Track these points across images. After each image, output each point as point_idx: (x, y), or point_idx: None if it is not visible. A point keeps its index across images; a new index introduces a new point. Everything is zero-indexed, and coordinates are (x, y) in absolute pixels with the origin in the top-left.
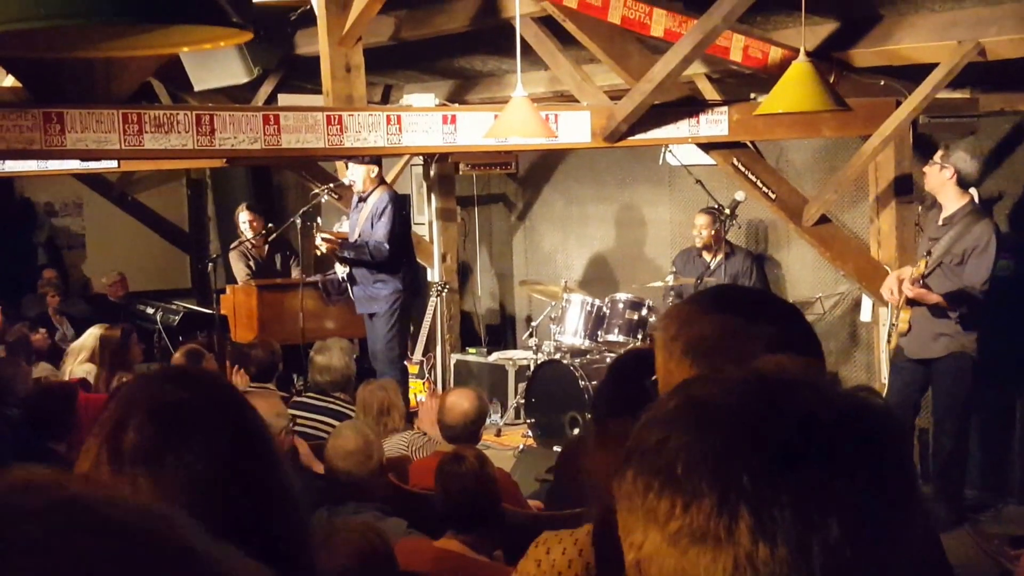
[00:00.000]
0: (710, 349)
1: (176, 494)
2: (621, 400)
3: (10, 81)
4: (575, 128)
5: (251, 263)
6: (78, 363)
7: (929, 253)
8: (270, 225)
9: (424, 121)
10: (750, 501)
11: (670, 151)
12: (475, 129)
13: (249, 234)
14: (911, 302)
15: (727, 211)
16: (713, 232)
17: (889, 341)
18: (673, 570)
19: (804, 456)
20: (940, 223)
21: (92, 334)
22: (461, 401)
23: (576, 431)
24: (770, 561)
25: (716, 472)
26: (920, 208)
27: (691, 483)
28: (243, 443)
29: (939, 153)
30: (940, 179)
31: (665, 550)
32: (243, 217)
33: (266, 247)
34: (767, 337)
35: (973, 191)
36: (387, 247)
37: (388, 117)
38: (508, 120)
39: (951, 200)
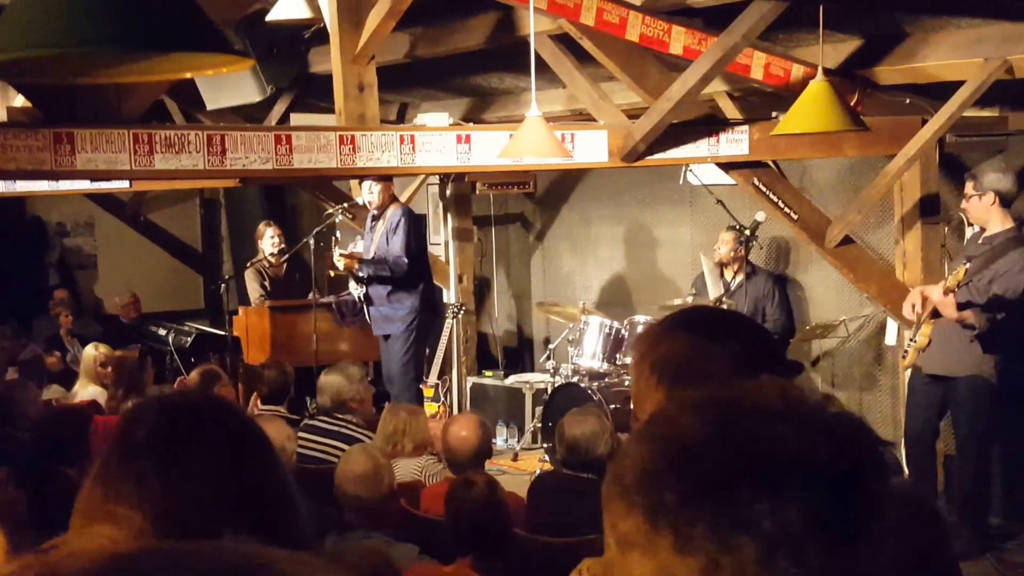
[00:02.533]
0: (676, 368)
1: (183, 487)
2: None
3: (20, 101)
4: (592, 147)
5: (266, 282)
6: (81, 385)
7: (968, 260)
8: (283, 246)
9: (438, 141)
10: (753, 532)
11: (691, 170)
12: (490, 149)
13: (274, 250)
14: (935, 314)
15: (747, 232)
16: (736, 249)
17: (904, 357)
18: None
19: (733, 483)
20: (981, 242)
21: (88, 354)
22: (463, 431)
23: None
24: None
25: (647, 487)
26: (946, 229)
27: (632, 494)
28: (246, 442)
29: (969, 185)
30: (984, 208)
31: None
32: (269, 233)
33: (284, 266)
34: (732, 355)
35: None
36: (405, 260)
37: (401, 137)
38: (522, 140)
39: (996, 223)
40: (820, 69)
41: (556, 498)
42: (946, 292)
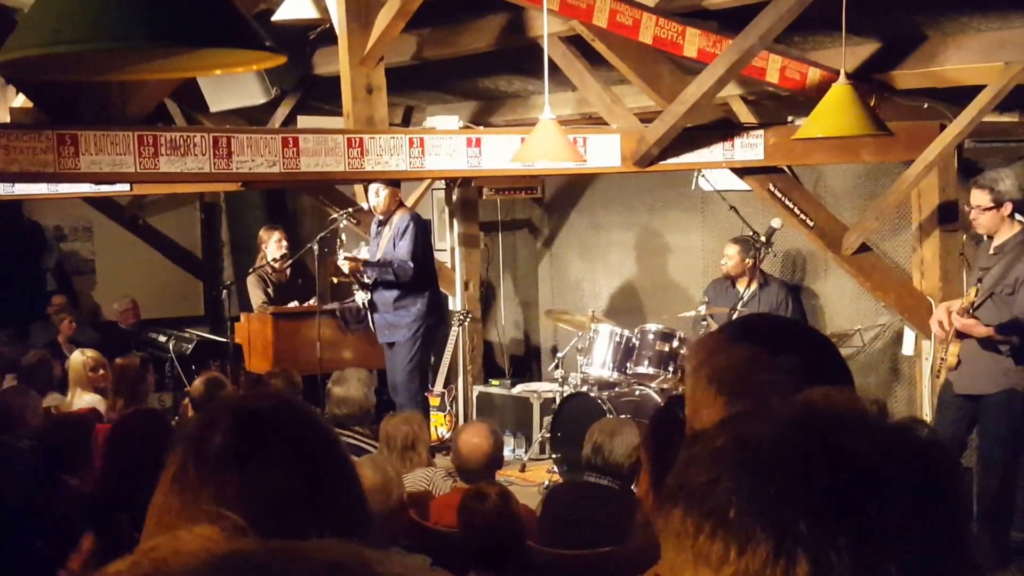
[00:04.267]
0: (735, 379)
1: (260, 499)
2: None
3: (20, 101)
4: (604, 152)
5: (269, 289)
6: (75, 394)
7: (980, 281)
8: (286, 251)
9: (448, 144)
10: (808, 547)
11: (703, 176)
12: (500, 153)
13: (278, 254)
14: (960, 335)
15: (763, 239)
16: (743, 262)
17: (938, 376)
18: None
19: (859, 498)
20: (992, 252)
21: (76, 360)
22: (476, 439)
23: None
24: None
25: (771, 517)
26: (965, 237)
27: (745, 528)
28: (323, 451)
29: (983, 195)
30: (1000, 218)
31: None
32: (275, 237)
33: (288, 271)
34: (792, 368)
35: (1021, 217)
36: (411, 265)
37: (411, 140)
38: (535, 144)
39: (1005, 230)
40: (843, 72)
41: (575, 506)
42: (961, 313)
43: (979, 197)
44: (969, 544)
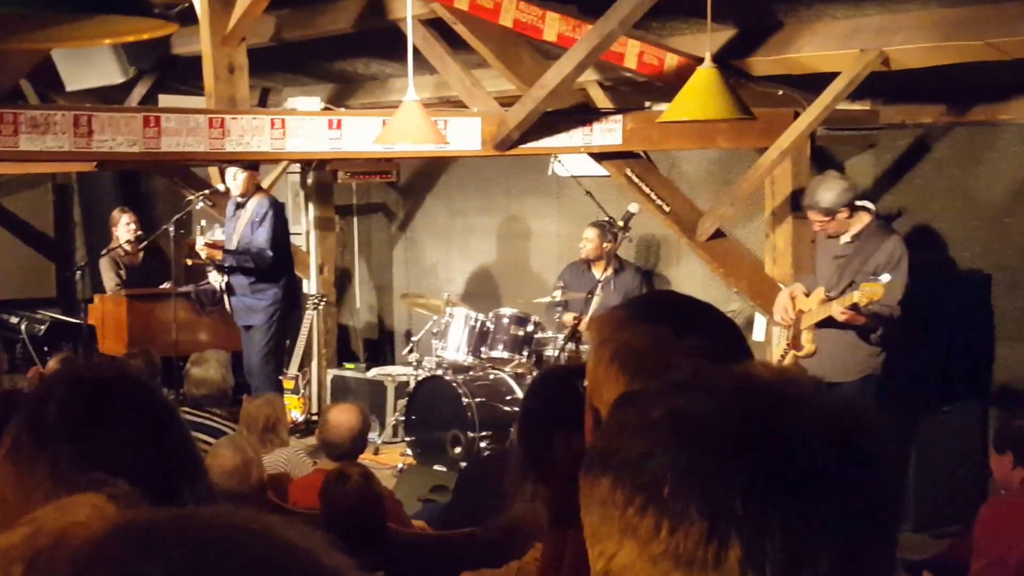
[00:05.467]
0: (638, 358)
1: (100, 466)
2: (557, 413)
3: None
4: (465, 135)
5: (122, 271)
6: None
7: (852, 284)
8: (139, 233)
9: (309, 126)
10: (741, 529)
11: (558, 161)
12: (361, 135)
13: (130, 236)
14: (827, 323)
15: (620, 223)
16: (601, 246)
17: (782, 362)
18: None
19: (796, 481)
20: (849, 240)
21: None
22: (346, 417)
23: (458, 449)
24: None
25: (707, 497)
26: None
27: (679, 506)
28: (162, 421)
29: (814, 216)
30: (842, 223)
31: (641, 567)
32: (124, 220)
33: (141, 254)
34: (696, 349)
35: (869, 204)
36: (270, 253)
37: (272, 121)
38: (398, 125)
39: (853, 224)
40: (709, 55)
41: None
42: (824, 303)
43: (814, 217)
44: (896, 541)
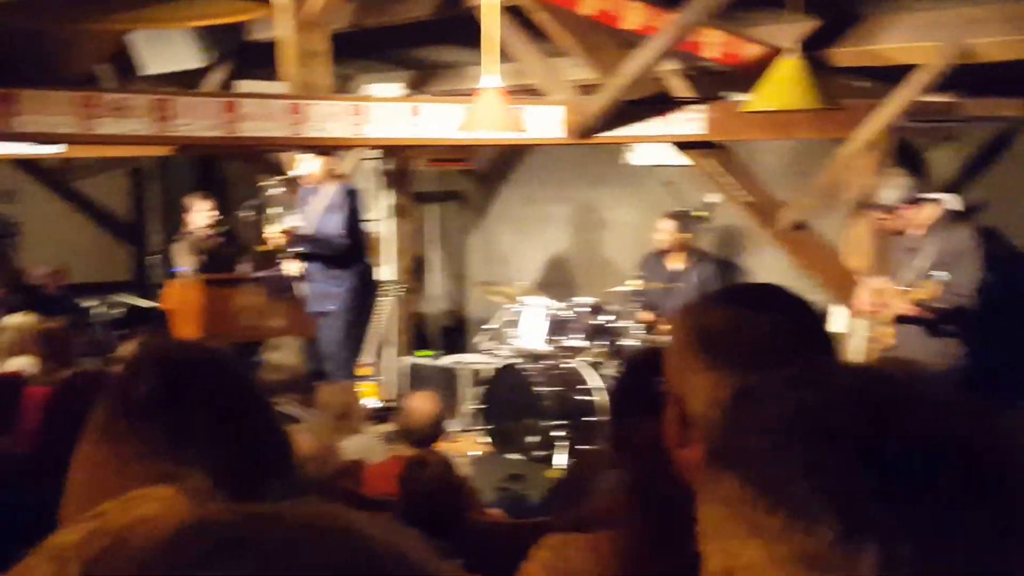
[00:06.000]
0: (723, 337)
1: (189, 443)
2: (639, 399)
3: None
4: (546, 123)
5: (199, 255)
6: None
7: (930, 275)
8: (218, 218)
9: (389, 112)
10: (877, 533)
11: (633, 151)
12: (441, 122)
13: (207, 222)
14: (903, 319)
15: (702, 214)
16: (677, 237)
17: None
18: None
19: (934, 484)
20: (921, 233)
21: (11, 324)
22: (425, 404)
23: (532, 439)
24: None
25: (841, 498)
26: None
27: (811, 507)
28: (250, 403)
29: (882, 211)
30: (909, 218)
31: (768, 567)
32: (203, 205)
33: (218, 239)
34: (781, 325)
35: (946, 196)
36: (345, 240)
37: (353, 107)
38: (480, 113)
39: (921, 217)
40: (797, 45)
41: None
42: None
43: (876, 214)
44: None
